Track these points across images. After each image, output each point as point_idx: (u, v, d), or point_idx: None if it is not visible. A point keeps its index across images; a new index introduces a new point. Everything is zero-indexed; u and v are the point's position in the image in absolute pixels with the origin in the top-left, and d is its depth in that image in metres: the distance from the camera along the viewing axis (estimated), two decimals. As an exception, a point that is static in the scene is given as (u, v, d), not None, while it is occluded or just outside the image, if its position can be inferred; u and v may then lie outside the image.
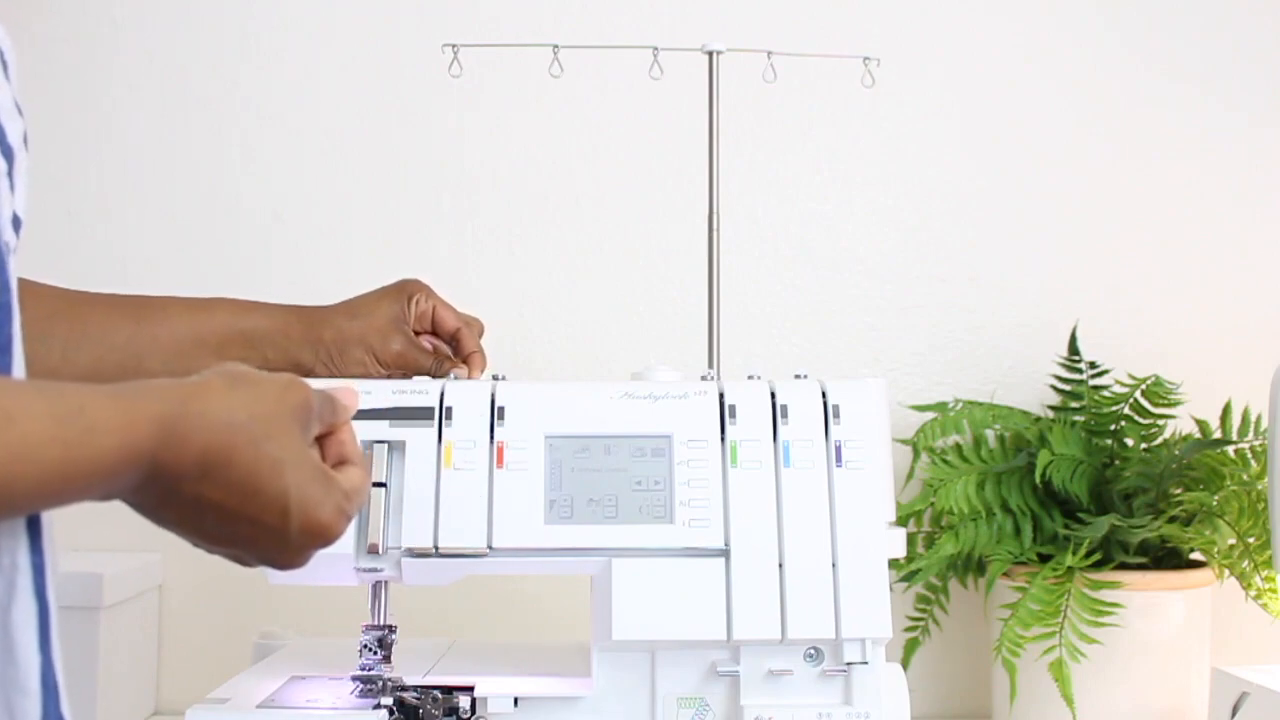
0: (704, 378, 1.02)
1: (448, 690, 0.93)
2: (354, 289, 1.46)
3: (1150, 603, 1.22)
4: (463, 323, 1.06)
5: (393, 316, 1.03)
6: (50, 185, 1.45)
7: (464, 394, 0.96)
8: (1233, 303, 1.48)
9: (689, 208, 1.31)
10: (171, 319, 0.99)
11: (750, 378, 1.00)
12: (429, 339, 1.06)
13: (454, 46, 1.19)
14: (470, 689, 0.94)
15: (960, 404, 1.38)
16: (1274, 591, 1.27)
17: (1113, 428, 1.34)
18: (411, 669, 0.97)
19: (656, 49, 1.20)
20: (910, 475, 1.39)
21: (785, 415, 0.96)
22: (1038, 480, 1.27)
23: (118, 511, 1.55)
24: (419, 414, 0.95)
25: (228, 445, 0.60)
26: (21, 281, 0.95)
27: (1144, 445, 1.33)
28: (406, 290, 1.05)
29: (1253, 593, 1.29)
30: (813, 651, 0.93)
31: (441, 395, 0.96)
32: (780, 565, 0.92)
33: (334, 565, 0.92)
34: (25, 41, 1.46)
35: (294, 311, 1.04)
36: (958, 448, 1.36)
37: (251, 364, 1.00)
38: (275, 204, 1.47)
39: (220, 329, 1.00)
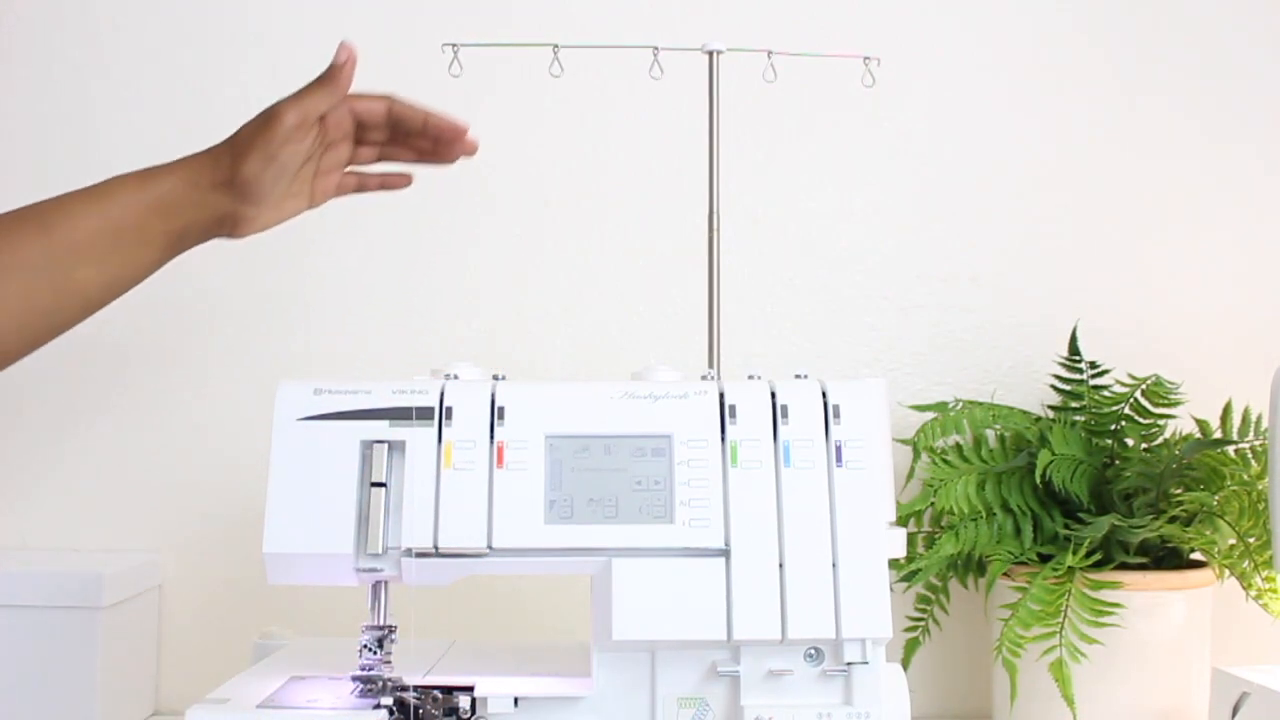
0: (704, 378, 1.02)
1: (448, 690, 0.93)
2: (352, 290, 1.46)
3: (1150, 603, 1.22)
4: (390, 99, 1.05)
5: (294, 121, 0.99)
6: (49, 185, 1.45)
7: (464, 394, 0.97)
8: (1233, 303, 1.48)
9: (689, 208, 1.31)
10: (76, 217, 0.93)
11: (750, 378, 1.00)
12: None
13: (454, 46, 1.19)
14: (470, 689, 0.94)
15: (960, 404, 1.38)
16: (1274, 591, 1.27)
17: (1113, 428, 1.34)
18: (411, 669, 0.97)
19: (656, 49, 1.20)
20: (910, 475, 1.39)
21: (785, 415, 0.96)
22: (1038, 480, 1.27)
23: (118, 511, 1.56)
24: (419, 414, 0.95)
25: None
26: None
27: (1144, 445, 1.33)
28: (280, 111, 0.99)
29: (1253, 593, 1.29)
30: (813, 651, 0.93)
31: (441, 395, 0.96)
32: (780, 565, 0.92)
33: (334, 565, 0.93)
34: (25, 40, 1.46)
35: (197, 157, 0.98)
36: (958, 448, 1.36)
37: (170, 237, 0.95)
38: (275, 204, 1.47)
39: (130, 212, 0.94)
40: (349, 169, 1.07)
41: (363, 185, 1.08)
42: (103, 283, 0.94)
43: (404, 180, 1.10)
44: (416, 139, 1.07)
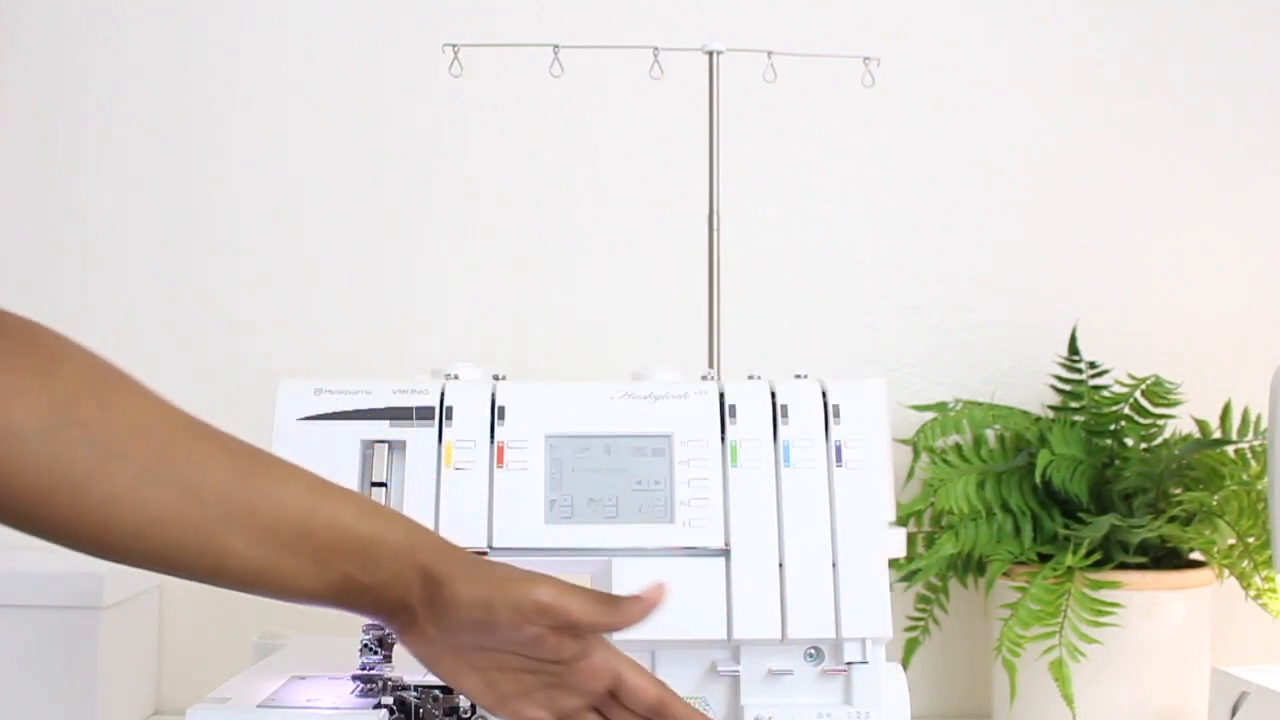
0: (704, 378, 1.02)
1: (448, 690, 0.93)
2: (354, 291, 1.46)
3: (1150, 603, 1.23)
4: (663, 687, 0.81)
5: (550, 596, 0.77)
6: (49, 186, 1.45)
7: (464, 394, 0.96)
8: (1233, 303, 1.48)
9: (689, 208, 1.31)
10: (282, 489, 0.77)
11: (750, 378, 1.00)
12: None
13: (454, 46, 1.19)
14: (470, 689, 0.94)
15: (960, 404, 1.38)
16: (1274, 591, 1.27)
17: (1113, 428, 1.34)
18: (411, 669, 0.97)
19: (656, 49, 1.20)
20: (910, 475, 1.39)
21: (785, 415, 0.96)
22: (1038, 480, 1.27)
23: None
24: (419, 414, 0.95)
25: None
26: (109, 371, 0.73)
27: (1144, 445, 1.33)
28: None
29: (1253, 593, 1.29)
30: (813, 651, 0.93)
31: (442, 395, 0.96)
32: (780, 565, 0.92)
33: (334, 565, 0.92)
34: (24, 40, 1.46)
35: (431, 535, 0.80)
36: (958, 448, 1.36)
37: (356, 583, 0.76)
38: (274, 205, 1.47)
39: (336, 527, 0.76)
40: None
41: None
42: (244, 565, 0.75)
43: None
44: None
